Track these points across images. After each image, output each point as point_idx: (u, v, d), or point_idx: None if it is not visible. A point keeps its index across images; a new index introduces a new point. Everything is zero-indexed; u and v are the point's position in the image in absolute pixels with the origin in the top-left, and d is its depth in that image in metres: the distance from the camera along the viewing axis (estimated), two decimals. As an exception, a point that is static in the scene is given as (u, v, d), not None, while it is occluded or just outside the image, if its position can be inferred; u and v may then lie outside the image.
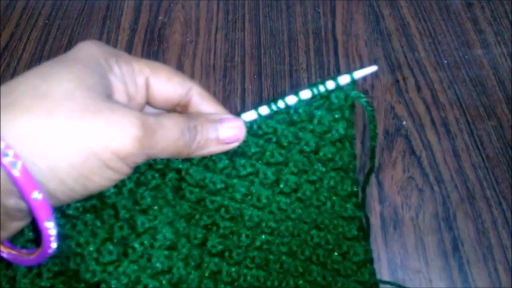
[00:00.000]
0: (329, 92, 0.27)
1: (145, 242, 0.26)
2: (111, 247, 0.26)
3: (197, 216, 0.27)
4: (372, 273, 0.33)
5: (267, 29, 0.66)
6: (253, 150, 0.28)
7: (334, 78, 0.27)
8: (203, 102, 0.27)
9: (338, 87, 0.27)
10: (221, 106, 0.28)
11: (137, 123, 0.21)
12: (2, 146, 0.19)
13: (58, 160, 0.20)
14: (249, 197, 0.28)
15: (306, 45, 0.64)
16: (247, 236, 0.28)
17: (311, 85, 0.27)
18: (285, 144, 0.28)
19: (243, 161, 0.27)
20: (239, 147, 0.27)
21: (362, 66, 0.60)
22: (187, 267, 0.27)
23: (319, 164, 0.29)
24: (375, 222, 0.49)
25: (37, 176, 0.20)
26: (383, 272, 0.46)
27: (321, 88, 0.27)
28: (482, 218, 0.49)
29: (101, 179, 0.22)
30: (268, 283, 0.29)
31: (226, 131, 0.26)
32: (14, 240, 0.25)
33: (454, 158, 0.53)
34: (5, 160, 0.19)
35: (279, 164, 0.28)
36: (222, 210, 0.28)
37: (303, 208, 0.29)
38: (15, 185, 0.19)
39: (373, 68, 0.28)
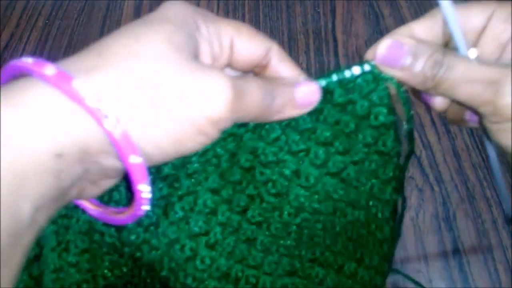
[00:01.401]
0: (356, 77, 0.27)
1: (186, 206, 0.27)
2: (151, 208, 0.26)
3: (244, 184, 0.28)
4: (391, 247, 0.33)
5: (267, 29, 0.66)
6: (304, 126, 0.27)
7: (359, 64, 0.27)
8: (281, 63, 0.27)
9: (363, 73, 0.27)
10: (298, 68, 0.27)
11: (229, 86, 0.21)
12: (103, 107, 0.18)
13: (156, 124, 0.20)
14: (298, 175, 0.28)
15: (306, 45, 0.64)
16: (289, 214, 0.28)
17: (336, 71, 0.27)
18: (331, 123, 0.28)
19: (297, 136, 0.27)
20: (292, 120, 0.27)
21: (362, 66, 0.61)
22: (224, 231, 0.28)
23: (361, 145, 0.28)
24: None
25: (137, 138, 0.20)
26: (383, 272, 0.46)
27: (347, 74, 0.27)
28: (482, 218, 0.49)
29: (193, 143, 0.22)
30: (296, 252, 0.30)
31: (302, 94, 0.26)
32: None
33: (454, 158, 0.53)
34: (106, 122, 0.19)
35: (327, 144, 0.28)
36: (270, 184, 0.28)
37: (345, 189, 0.29)
38: (114, 147, 0.19)
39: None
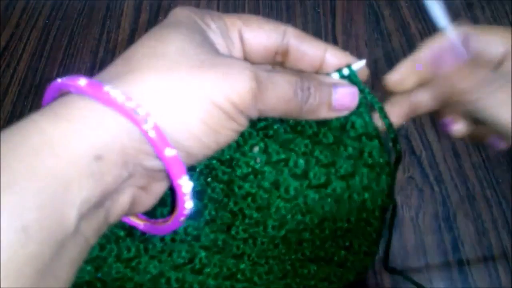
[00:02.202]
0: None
1: (166, 237, 0.26)
2: (130, 243, 0.26)
3: (225, 200, 0.27)
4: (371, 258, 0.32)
5: (267, 29, 0.66)
6: (284, 136, 0.27)
7: (338, 71, 0.26)
8: (302, 44, 0.26)
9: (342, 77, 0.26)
10: (324, 43, 0.26)
11: (251, 76, 0.21)
12: (133, 105, 0.19)
13: (188, 115, 0.20)
14: (277, 187, 0.27)
15: (306, 45, 0.64)
16: (273, 227, 0.28)
17: None
18: (310, 134, 0.27)
19: (276, 146, 0.26)
20: (271, 129, 0.26)
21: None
22: (210, 253, 0.27)
23: (345, 158, 0.27)
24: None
25: (171, 133, 0.20)
26: (383, 272, 0.46)
27: None
28: (482, 218, 0.49)
29: (228, 130, 0.22)
30: (286, 257, 0.29)
31: (340, 97, 0.25)
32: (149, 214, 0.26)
33: (454, 158, 0.53)
34: (138, 118, 0.19)
35: (307, 155, 0.27)
36: (249, 198, 0.27)
37: (333, 205, 0.28)
38: (149, 143, 0.20)
39: (362, 62, 0.27)
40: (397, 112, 0.29)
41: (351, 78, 0.26)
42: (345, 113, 0.26)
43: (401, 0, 0.68)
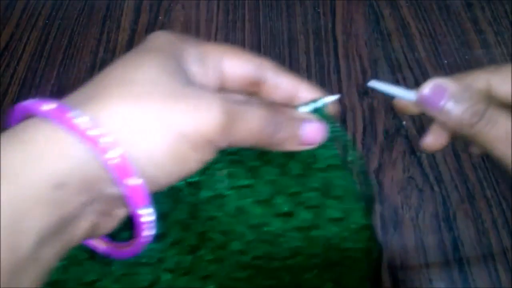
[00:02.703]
0: None
1: (129, 260, 0.26)
2: (91, 266, 0.25)
3: (191, 221, 0.27)
4: None
5: (267, 30, 0.66)
6: (251, 163, 0.27)
7: (312, 102, 0.26)
8: (277, 77, 0.27)
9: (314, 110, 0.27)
10: (298, 77, 0.27)
11: (222, 109, 0.21)
12: (98, 132, 0.19)
13: (155, 145, 0.20)
14: (242, 213, 0.27)
15: (306, 45, 0.64)
16: (240, 252, 0.27)
17: None
18: (277, 162, 0.27)
19: (241, 171, 0.27)
20: (239, 155, 0.26)
21: (362, 67, 0.60)
22: (175, 276, 0.27)
23: (312, 190, 0.27)
24: (375, 222, 0.49)
25: (136, 161, 0.20)
26: (383, 272, 0.46)
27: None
28: (482, 218, 0.49)
29: (194, 161, 0.22)
30: (258, 280, 0.28)
31: (309, 132, 0.25)
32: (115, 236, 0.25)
33: (454, 158, 0.53)
34: (102, 147, 0.19)
35: (273, 183, 0.27)
36: (214, 221, 0.27)
37: (301, 238, 0.27)
38: (112, 172, 0.19)
39: (334, 97, 0.27)
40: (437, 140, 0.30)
41: (321, 112, 0.26)
42: (313, 147, 0.26)
43: (401, 0, 0.68)
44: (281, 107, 0.26)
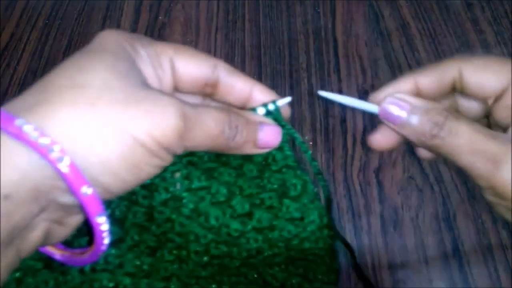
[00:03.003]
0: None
1: (85, 268, 0.25)
2: (48, 275, 0.25)
3: (147, 224, 0.26)
4: None
5: (267, 29, 0.66)
6: (208, 165, 0.27)
7: (264, 105, 0.27)
8: (231, 78, 0.27)
9: (267, 112, 0.27)
10: (252, 79, 0.27)
11: (177, 114, 0.21)
12: (47, 141, 0.18)
13: (108, 152, 0.20)
14: (198, 214, 0.27)
15: (306, 45, 0.64)
16: (196, 253, 0.27)
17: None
18: (234, 164, 0.27)
19: (198, 173, 0.26)
20: (196, 157, 0.26)
21: (362, 67, 0.60)
22: (135, 279, 0.26)
23: (268, 191, 0.27)
24: (375, 222, 0.49)
25: (88, 170, 0.19)
26: (383, 272, 0.46)
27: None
28: (482, 218, 0.49)
29: (150, 167, 0.21)
30: (220, 278, 0.28)
31: (265, 136, 0.26)
32: (69, 243, 0.25)
33: (454, 158, 0.53)
34: (52, 156, 0.18)
35: (231, 184, 0.27)
36: (169, 224, 0.26)
37: (260, 239, 0.28)
38: (64, 181, 0.19)
39: (287, 99, 0.28)
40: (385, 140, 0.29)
41: (275, 114, 0.27)
42: (269, 150, 0.27)
43: (401, 0, 0.68)
44: (238, 111, 0.26)
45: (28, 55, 0.66)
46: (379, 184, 0.51)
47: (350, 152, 0.54)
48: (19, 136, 0.18)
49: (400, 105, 0.26)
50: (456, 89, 0.27)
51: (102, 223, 0.21)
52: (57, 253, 0.24)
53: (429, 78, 0.27)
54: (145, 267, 0.27)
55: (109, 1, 0.72)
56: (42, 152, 0.18)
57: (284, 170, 0.28)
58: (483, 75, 0.26)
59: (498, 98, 0.26)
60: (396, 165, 0.53)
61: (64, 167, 0.18)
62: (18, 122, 0.18)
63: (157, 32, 0.67)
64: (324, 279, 0.30)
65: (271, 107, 0.27)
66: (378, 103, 0.27)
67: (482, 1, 0.67)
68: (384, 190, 0.51)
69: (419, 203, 0.50)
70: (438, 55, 0.62)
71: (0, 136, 0.18)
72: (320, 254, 0.29)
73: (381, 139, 0.28)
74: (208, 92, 0.27)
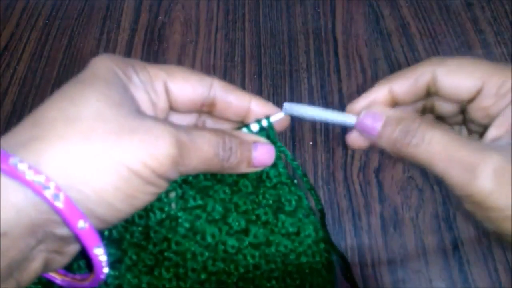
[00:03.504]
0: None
1: None
2: None
3: (144, 243, 0.27)
4: None
5: (267, 29, 0.66)
6: (203, 183, 0.27)
7: (257, 121, 0.27)
8: (228, 95, 0.27)
9: (261, 129, 0.27)
10: (248, 94, 0.27)
11: (171, 141, 0.21)
12: (42, 179, 0.18)
13: (103, 183, 0.20)
14: (194, 233, 0.27)
15: (306, 45, 0.64)
16: (193, 270, 0.27)
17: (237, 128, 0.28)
18: (229, 181, 0.28)
19: (193, 192, 0.27)
20: (190, 176, 0.27)
21: (362, 67, 0.60)
22: None
23: (263, 207, 0.28)
24: (375, 222, 0.49)
25: (84, 203, 0.20)
26: (383, 272, 0.46)
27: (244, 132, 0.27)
28: (482, 218, 0.49)
29: (145, 195, 0.22)
30: None
31: (259, 155, 0.26)
32: (68, 267, 0.25)
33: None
34: (48, 193, 0.18)
35: (226, 201, 0.28)
36: (165, 243, 0.27)
37: (256, 255, 0.28)
38: (60, 216, 0.19)
39: (280, 115, 0.28)
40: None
41: (269, 131, 0.27)
42: (263, 168, 0.27)
43: (401, 0, 0.67)
44: (231, 132, 0.26)
45: (28, 55, 0.66)
46: (379, 184, 0.51)
47: (350, 152, 0.54)
48: (14, 175, 0.18)
49: (375, 117, 0.26)
50: (431, 93, 0.27)
51: (100, 254, 0.22)
52: (57, 278, 0.25)
53: (403, 85, 0.27)
54: (143, 285, 0.27)
55: (109, 1, 0.72)
56: (37, 190, 0.18)
57: (278, 186, 0.28)
58: (456, 77, 0.25)
59: (472, 99, 0.26)
60: (396, 165, 0.53)
61: (59, 203, 0.19)
62: (12, 160, 0.18)
63: (157, 32, 0.67)
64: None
65: (264, 123, 0.27)
66: (357, 113, 0.28)
67: (482, 1, 0.67)
68: (384, 190, 0.51)
69: (419, 203, 0.50)
70: (438, 54, 0.62)
71: None
72: (317, 268, 0.29)
73: (357, 137, 0.29)
74: (205, 111, 0.27)
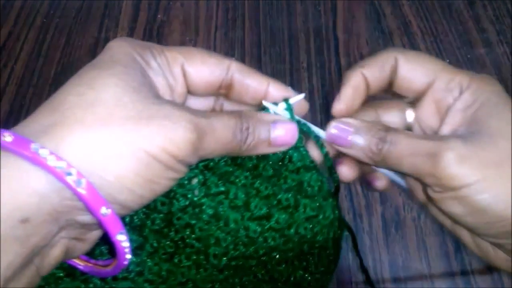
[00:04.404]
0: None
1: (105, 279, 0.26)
2: (70, 283, 0.25)
3: (166, 230, 0.27)
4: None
5: (267, 28, 0.66)
6: (224, 169, 0.27)
7: (274, 103, 0.27)
8: (246, 78, 0.26)
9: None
10: (266, 77, 0.27)
11: (190, 127, 0.21)
12: (64, 165, 0.18)
13: (123, 169, 0.20)
14: (217, 219, 0.27)
15: (307, 44, 0.64)
16: (214, 256, 0.27)
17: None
18: (250, 166, 0.27)
19: (215, 178, 0.27)
20: (211, 161, 0.27)
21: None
22: (153, 285, 0.27)
23: (285, 191, 0.28)
24: (376, 223, 0.49)
25: (105, 189, 0.20)
26: (384, 272, 0.46)
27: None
28: (484, 219, 0.48)
29: (165, 180, 0.22)
30: (236, 280, 0.29)
31: (279, 134, 0.26)
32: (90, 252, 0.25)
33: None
34: (70, 179, 0.18)
35: (248, 186, 0.27)
36: (188, 229, 0.27)
37: (277, 238, 0.28)
38: (82, 202, 0.19)
39: (300, 96, 0.27)
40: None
41: (289, 113, 0.27)
42: (285, 148, 0.27)
43: (402, -2, 0.67)
44: (249, 112, 0.26)
45: (26, 54, 0.65)
46: (381, 184, 0.51)
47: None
48: (36, 161, 0.18)
49: (344, 129, 0.27)
50: (391, 83, 0.28)
51: (123, 240, 0.22)
52: (80, 264, 0.25)
53: (373, 71, 0.28)
54: (163, 273, 0.27)
55: (107, 0, 0.71)
56: (60, 176, 0.18)
57: (300, 170, 0.28)
58: (413, 66, 0.27)
59: (423, 92, 0.27)
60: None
61: (82, 189, 0.19)
62: (33, 146, 0.18)
63: (156, 30, 0.67)
64: (324, 270, 0.31)
65: (283, 105, 0.27)
66: (346, 109, 0.28)
67: (484, 0, 0.66)
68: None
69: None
70: (440, 53, 0.61)
71: (16, 160, 0.18)
72: (327, 246, 0.30)
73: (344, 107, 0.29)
74: (222, 93, 0.27)
